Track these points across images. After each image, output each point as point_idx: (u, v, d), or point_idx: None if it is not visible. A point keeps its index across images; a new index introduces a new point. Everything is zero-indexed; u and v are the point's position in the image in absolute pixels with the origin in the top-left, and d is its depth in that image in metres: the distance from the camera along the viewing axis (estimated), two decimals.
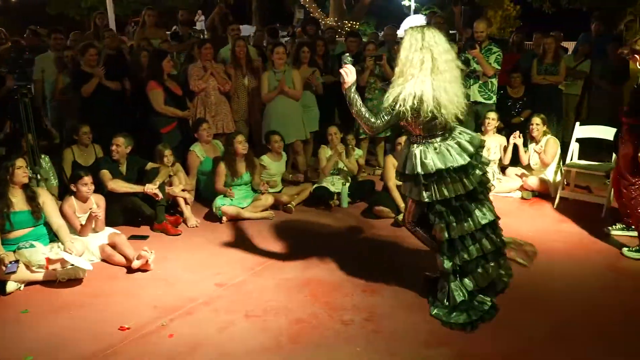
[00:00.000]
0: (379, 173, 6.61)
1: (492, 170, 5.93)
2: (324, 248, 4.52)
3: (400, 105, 3.12)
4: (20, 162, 4.08)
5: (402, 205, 5.10)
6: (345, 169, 5.81)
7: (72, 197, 4.50)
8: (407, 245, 4.58)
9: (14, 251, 3.97)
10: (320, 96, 6.59)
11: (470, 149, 3.29)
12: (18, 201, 4.09)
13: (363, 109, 3.21)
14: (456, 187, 3.23)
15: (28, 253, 3.93)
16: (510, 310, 3.47)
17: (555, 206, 5.48)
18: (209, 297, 3.75)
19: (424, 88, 3.09)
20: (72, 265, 3.92)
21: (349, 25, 14.07)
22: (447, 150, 3.24)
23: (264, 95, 6.12)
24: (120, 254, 4.28)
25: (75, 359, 3.05)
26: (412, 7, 22.21)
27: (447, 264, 3.42)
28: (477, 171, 3.32)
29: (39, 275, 3.94)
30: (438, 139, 3.26)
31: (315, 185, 5.74)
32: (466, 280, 3.45)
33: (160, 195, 4.91)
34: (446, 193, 3.23)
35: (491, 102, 6.19)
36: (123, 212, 5.00)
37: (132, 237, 4.82)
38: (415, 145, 3.30)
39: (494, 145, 5.95)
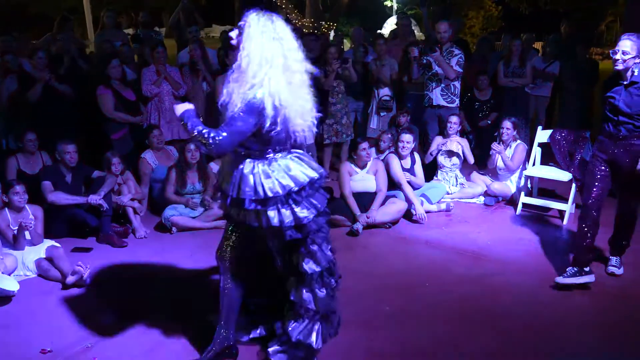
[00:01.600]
0: None
1: (455, 174, 5.80)
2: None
3: (267, 116, 2.49)
4: None
5: (358, 213, 4.95)
6: None
7: (6, 208, 4.29)
8: (360, 257, 4.43)
9: None
10: None
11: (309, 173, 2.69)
12: None
13: (201, 127, 2.49)
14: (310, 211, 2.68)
15: None
16: (454, 323, 3.33)
17: (517, 213, 5.36)
18: (149, 310, 3.57)
19: (280, 90, 2.48)
20: None
21: (326, 25, 13.93)
22: (287, 167, 2.65)
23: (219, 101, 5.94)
24: (57, 269, 4.08)
25: None
26: (394, 8, 22.13)
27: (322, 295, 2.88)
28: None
29: None
30: (275, 155, 2.66)
31: None
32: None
33: (105, 206, 4.71)
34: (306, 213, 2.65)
35: (454, 105, 6.05)
36: (67, 224, 4.80)
37: (75, 250, 4.63)
38: (248, 160, 2.64)
39: (456, 149, 5.80)
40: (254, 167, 2.62)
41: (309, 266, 2.79)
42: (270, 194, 2.57)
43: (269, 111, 2.47)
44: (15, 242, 4.19)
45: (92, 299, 3.83)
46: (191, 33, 6.61)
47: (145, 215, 5.35)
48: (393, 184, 5.23)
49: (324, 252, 2.83)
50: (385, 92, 6.53)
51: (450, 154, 5.75)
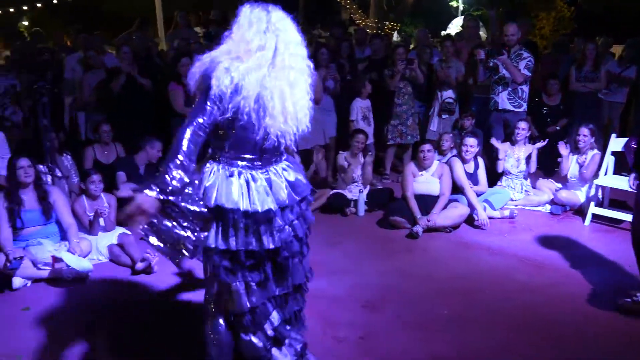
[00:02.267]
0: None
1: (521, 181, 5.64)
2: (330, 257, 4.40)
3: (214, 84, 2.12)
4: (21, 162, 4.14)
5: (418, 215, 4.92)
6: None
7: (83, 195, 4.56)
8: (419, 260, 4.40)
9: (24, 248, 4.05)
10: (339, 101, 6.45)
11: (283, 196, 2.32)
12: (29, 199, 4.17)
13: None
14: (248, 240, 2.28)
15: (34, 250, 4.00)
16: (512, 336, 3.26)
17: (586, 223, 5.14)
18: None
19: (249, 75, 2.13)
20: (70, 267, 3.95)
21: (390, 26, 13.83)
22: (247, 184, 2.27)
23: None
24: (127, 255, 4.30)
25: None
26: (460, 8, 21.64)
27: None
28: (287, 228, 2.36)
29: (45, 273, 4.00)
30: (242, 163, 2.30)
31: (332, 192, 5.61)
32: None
33: None
34: (233, 243, 2.27)
35: (521, 110, 5.88)
36: None
37: (144, 239, 4.83)
38: (211, 161, 2.32)
39: (524, 156, 5.63)
40: (207, 166, 2.32)
41: None
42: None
43: (225, 90, 2.12)
44: (90, 228, 4.44)
45: (161, 284, 4.00)
46: None
47: None
48: (455, 188, 5.15)
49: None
50: (448, 94, 6.43)
51: (517, 160, 5.59)
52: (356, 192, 5.53)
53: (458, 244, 4.74)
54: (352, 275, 4.09)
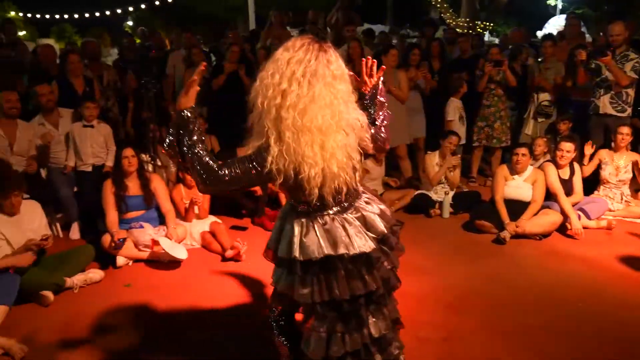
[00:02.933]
0: (490, 184, 6.25)
1: (621, 191, 5.31)
2: (414, 257, 4.38)
3: (272, 163, 1.93)
4: (126, 152, 4.48)
5: (507, 221, 4.77)
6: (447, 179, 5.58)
7: (181, 184, 4.86)
8: (505, 266, 4.27)
9: (127, 230, 4.40)
10: (428, 101, 6.38)
11: (380, 226, 2.20)
12: (133, 186, 4.51)
13: (202, 152, 1.94)
14: (353, 285, 2.14)
15: (137, 233, 4.33)
16: (607, 346, 3.09)
17: None
18: None
19: (305, 154, 1.92)
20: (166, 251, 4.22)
21: (482, 25, 13.42)
22: (343, 228, 2.14)
23: None
24: (218, 243, 4.53)
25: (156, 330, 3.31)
26: (559, 7, 20.56)
27: None
28: (385, 264, 2.24)
29: (145, 254, 4.32)
30: (331, 211, 2.15)
31: (417, 192, 5.57)
32: None
33: (260, 191, 5.10)
34: (337, 292, 2.14)
35: (625, 115, 5.51)
36: (226, 204, 5.28)
37: (233, 228, 5.08)
38: (294, 216, 2.19)
39: (624, 164, 5.29)
40: (291, 223, 2.21)
41: None
42: (301, 258, 2.15)
43: (289, 175, 1.97)
44: (186, 215, 4.73)
45: (249, 271, 4.18)
46: (349, 32, 6.82)
47: None
48: (547, 195, 4.94)
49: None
50: (545, 96, 6.16)
51: (618, 168, 5.26)
52: (442, 193, 5.46)
53: (548, 253, 4.54)
54: (436, 277, 4.06)
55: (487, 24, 13.56)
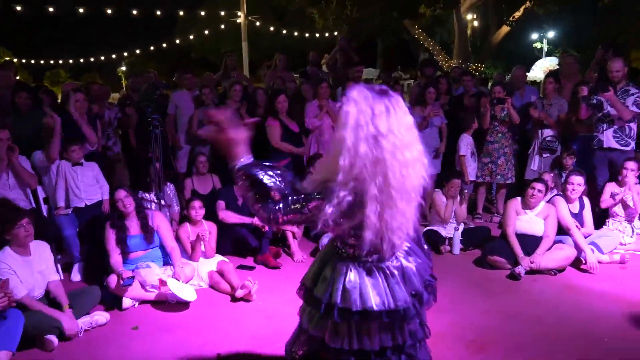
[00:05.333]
0: (496, 220, 6.21)
1: (632, 225, 5.28)
2: None
3: (337, 201, 1.89)
4: (118, 194, 4.37)
5: (521, 255, 4.70)
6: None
7: (187, 223, 4.75)
8: (523, 302, 4.17)
9: (133, 270, 4.25)
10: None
11: (416, 283, 2.15)
12: (133, 226, 4.40)
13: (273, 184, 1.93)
14: (384, 338, 2.13)
15: (144, 273, 4.18)
16: None
17: None
18: None
19: (371, 213, 1.92)
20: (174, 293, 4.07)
21: (473, 67, 13.72)
22: (385, 279, 2.09)
23: None
24: (227, 282, 4.39)
25: None
26: (545, 49, 21.15)
27: None
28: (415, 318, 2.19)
29: (152, 295, 4.17)
30: (372, 258, 2.09)
31: (426, 229, 5.50)
32: None
33: (267, 228, 5.00)
34: (368, 343, 2.11)
35: (629, 148, 5.54)
36: (232, 242, 5.17)
37: (240, 267, 4.95)
38: (337, 259, 2.15)
39: (630, 198, 5.28)
40: (337, 264, 2.16)
41: None
42: (342, 305, 2.10)
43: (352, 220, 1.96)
44: (192, 253, 4.60)
45: (259, 313, 4.04)
46: (353, 72, 6.90)
47: (301, 240, 5.58)
48: (559, 229, 4.89)
49: None
50: (549, 132, 6.21)
51: (626, 202, 5.25)
52: (451, 229, 5.39)
53: (564, 287, 4.45)
54: (452, 314, 3.94)
55: (479, 65, 13.88)
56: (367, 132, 1.88)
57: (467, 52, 14.52)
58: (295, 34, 19.41)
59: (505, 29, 14.55)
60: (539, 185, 4.81)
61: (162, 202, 5.40)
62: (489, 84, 8.77)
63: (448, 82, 6.96)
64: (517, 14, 14.06)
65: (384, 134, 1.89)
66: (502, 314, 3.97)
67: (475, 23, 14.76)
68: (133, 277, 4.09)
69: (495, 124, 6.27)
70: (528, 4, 13.68)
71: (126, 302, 4.09)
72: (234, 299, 4.24)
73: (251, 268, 4.96)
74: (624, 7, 11.73)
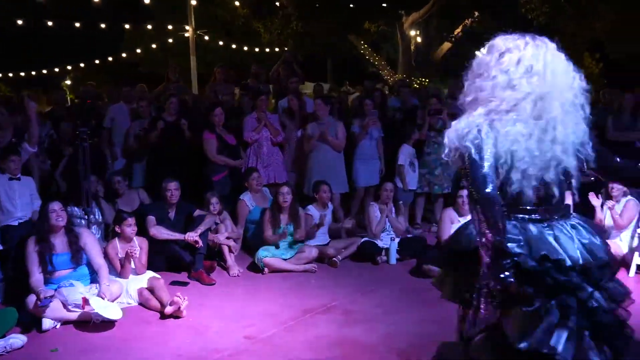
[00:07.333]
0: (434, 230, 6.30)
1: None
2: (363, 306, 4.28)
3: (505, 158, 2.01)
4: (53, 205, 4.20)
5: None
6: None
7: (116, 239, 4.59)
8: (455, 309, 4.21)
9: (55, 289, 4.05)
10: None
11: (575, 254, 2.07)
12: (60, 243, 4.20)
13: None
14: None
15: (66, 292, 3.99)
16: None
17: (630, 275, 4.90)
18: (235, 349, 3.60)
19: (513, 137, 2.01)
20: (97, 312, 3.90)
21: (417, 81, 14.05)
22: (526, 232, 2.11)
23: (305, 145, 6.20)
24: (157, 299, 4.25)
25: None
26: None
27: None
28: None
29: (74, 315, 3.97)
30: (520, 216, 2.13)
31: (363, 240, 5.52)
32: None
33: (201, 243, 4.89)
34: None
35: None
36: (166, 258, 5.02)
37: (174, 283, 4.81)
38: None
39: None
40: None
41: None
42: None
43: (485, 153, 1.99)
44: (122, 270, 4.44)
45: (189, 329, 3.92)
46: (292, 83, 6.92)
47: (239, 255, 5.49)
48: None
49: None
50: None
51: None
52: (387, 240, 5.43)
53: None
54: (386, 324, 3.94)
55: (423, 79, 14.21)
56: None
57: (411, 67, 14.85)
58: (245, 48, 19.37)
59: (447, 44, 14.98)
60: (467, 192, 4.90)
61: (94, 218, 5.22)
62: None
63: (383, 95, 7.08)
64: (457, 31, 14.54)
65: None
66: (436, 322, 3.98)
67: (419, 39, 15.10)
68: (52, 297, 3.88)
69: (431, 135, 6.39)
70: (467, 21, 14.14)
71: (46, 323, 3.88)
72: (164, 316, 4.10)
73: (185, 284, 4.82)
74: (557, 25, 12.30)
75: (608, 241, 5.12)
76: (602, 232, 2.27)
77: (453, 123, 2.12)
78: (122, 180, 5.65)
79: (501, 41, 2.12)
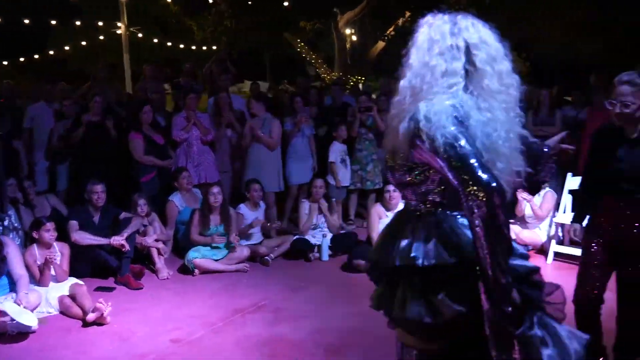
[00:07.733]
0: (367, 226, 6.41)
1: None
2: (293, 303, 4.30)
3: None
4: None
5: None
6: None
7: (34, 245, 4.38)
8: None
9: None
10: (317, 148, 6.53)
11: None
12: None
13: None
14: None
15: None
16: None
17: (548, 262, 5.17)
18: (161, 353, 3.53)
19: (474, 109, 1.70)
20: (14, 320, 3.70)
21: (354, 80, 14.22)
22: None
23: (242, 142, 6.19)
24: (79, 306, 4.08)
25: None
26: None
27: None
28: None
29: None
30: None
31: (295, 237, 5.53)
32: None
33: (127, 247, 4.74)
34: None
35: None
36: (90, 264, 4.84)
37: (99, 289, 4.64)
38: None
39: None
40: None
41: None
42: None
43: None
44: (41, 277, 4.23)
45: (113, 335, 3.79)
46: (222, 81, 6.83)
47: (169, 257, 5.37)
48: None
49: None
50: None
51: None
52: (319, 237, 5.47)
53: None
54: (315, 320, 3.97)
55: (360, 78, 14.39)
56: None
57: (347, 66, 15.01)
58: (182, 46, 18.94)
59: (382, 43, 15.22)
60: (392, 187, 5.02)
61: (11, 224, 4.95)
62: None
63: (319, 93, 7.12)
64: (390, 30, 14.81)
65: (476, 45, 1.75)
66: (364, 316, 4.00)
67: (354, 37, 15.28)
68: None
69: (362, 132, 6.49)
70: (399, 21, 14.43)
71: None
72: (86, 323, 3.94)
73: (110, 289, 4.66)
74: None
75: (527, 231, 5.47)
76: None
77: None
78: (31, 185, 5.39)
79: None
